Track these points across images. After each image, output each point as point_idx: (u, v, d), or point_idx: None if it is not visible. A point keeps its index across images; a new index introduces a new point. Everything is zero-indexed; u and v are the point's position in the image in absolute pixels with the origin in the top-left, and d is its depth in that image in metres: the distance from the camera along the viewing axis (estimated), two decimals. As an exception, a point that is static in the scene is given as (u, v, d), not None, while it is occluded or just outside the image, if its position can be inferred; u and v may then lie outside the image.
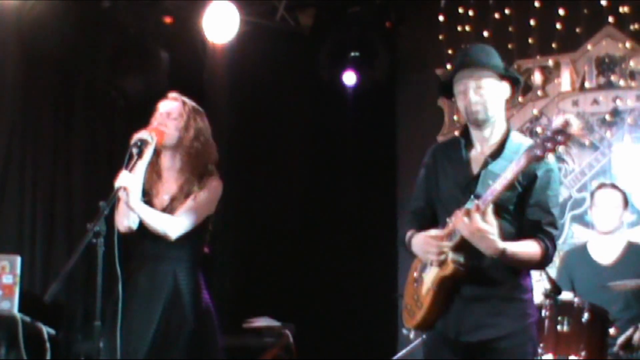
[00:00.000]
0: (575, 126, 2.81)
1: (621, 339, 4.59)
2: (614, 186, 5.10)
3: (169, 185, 3.70)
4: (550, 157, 3.05)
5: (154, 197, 3.67)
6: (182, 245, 3.60)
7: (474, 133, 3.22)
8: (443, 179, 3.25)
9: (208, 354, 3.60)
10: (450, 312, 3.14)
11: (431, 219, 3.28)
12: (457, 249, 3.05)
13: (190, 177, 3.67)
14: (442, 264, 3.09)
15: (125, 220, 3.59)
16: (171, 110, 3.70)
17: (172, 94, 3.77)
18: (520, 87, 3.70)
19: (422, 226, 3.24)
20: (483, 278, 3.09)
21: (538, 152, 2.87)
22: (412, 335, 3.25)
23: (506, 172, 2.95)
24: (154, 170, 3.70)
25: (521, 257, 3.05)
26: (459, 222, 3.00)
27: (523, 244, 3.07)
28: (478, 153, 3.20)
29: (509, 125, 3.25)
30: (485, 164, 3.12)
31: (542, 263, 3.12)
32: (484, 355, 3.10)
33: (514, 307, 3.12)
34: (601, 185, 5.15)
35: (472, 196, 3.03)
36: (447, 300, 3.13)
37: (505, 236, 3.04)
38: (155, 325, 3.53)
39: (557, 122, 2.84)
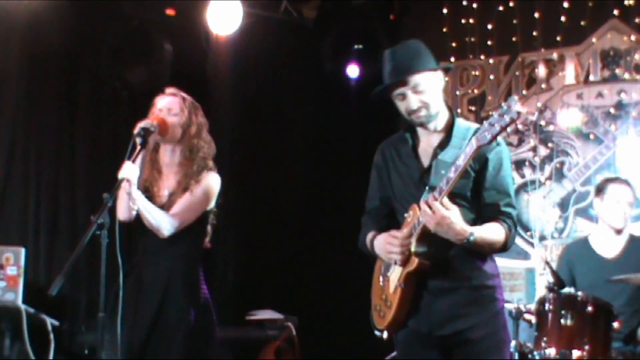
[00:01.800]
0: (520, 107, 2.75)
1: (625, 333, 4.59)
2: (626, 182, 5.00)
3: (168, 181, 3.70)
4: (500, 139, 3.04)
5: (155, 194, 3.67)
6: (181, 240, 3.61)
7: (419, 127, 3.20)
8: (395, 176, 3.24)
9: (206, 349, 3.61)
10: (420, 307, 3.12)
11: (388, 217, 3.28)
12: (419, 242, 3.04)
13: (189, 171, 3.66)
14: (406, 261, 3.07)
15: (126, 209, 3.58)
16: (172, 106, 3.69)
17: (170, 90, 3.76)
18: (451, 71, 3.59)
19: (380, 226, 3.24)
20: (448, 270, 3.08)
21: (487, 136, 2.82)
22: (384, 336, 3.21)
23: (458, 159, 2.92)
24: (154, 168, 3.70)
25: (489, 240, 3.04)
26: (423, 215, 2.96)
27: (488, 226, 3.05)
28: (426, 145, 3.18)
29: (453, 112, 3.22)
30: (435, 155, 3.11)
31: (506, 244, 3.09)
32: (459, 347, 3.09)
33: (481, 294, 3.11)
34: (612, 180, 5.05)
35: (426, 188, 3.01)
36: (415, 297, 3.12)
37: (466, 223, 3.02)
38: (151, 319, 3.54)
39: (504, 104, 2.80)
